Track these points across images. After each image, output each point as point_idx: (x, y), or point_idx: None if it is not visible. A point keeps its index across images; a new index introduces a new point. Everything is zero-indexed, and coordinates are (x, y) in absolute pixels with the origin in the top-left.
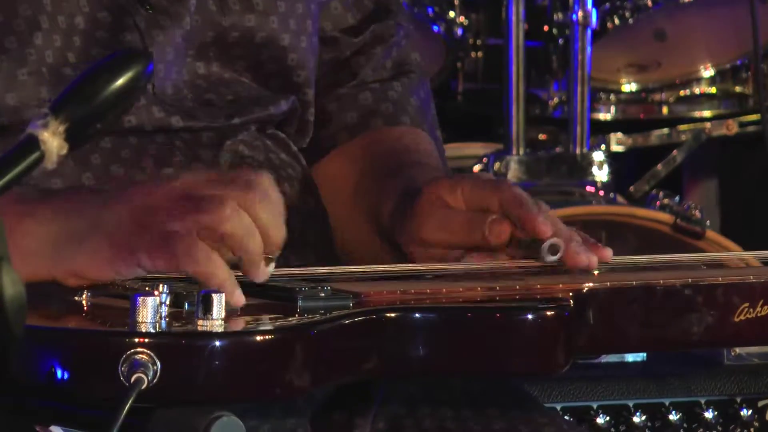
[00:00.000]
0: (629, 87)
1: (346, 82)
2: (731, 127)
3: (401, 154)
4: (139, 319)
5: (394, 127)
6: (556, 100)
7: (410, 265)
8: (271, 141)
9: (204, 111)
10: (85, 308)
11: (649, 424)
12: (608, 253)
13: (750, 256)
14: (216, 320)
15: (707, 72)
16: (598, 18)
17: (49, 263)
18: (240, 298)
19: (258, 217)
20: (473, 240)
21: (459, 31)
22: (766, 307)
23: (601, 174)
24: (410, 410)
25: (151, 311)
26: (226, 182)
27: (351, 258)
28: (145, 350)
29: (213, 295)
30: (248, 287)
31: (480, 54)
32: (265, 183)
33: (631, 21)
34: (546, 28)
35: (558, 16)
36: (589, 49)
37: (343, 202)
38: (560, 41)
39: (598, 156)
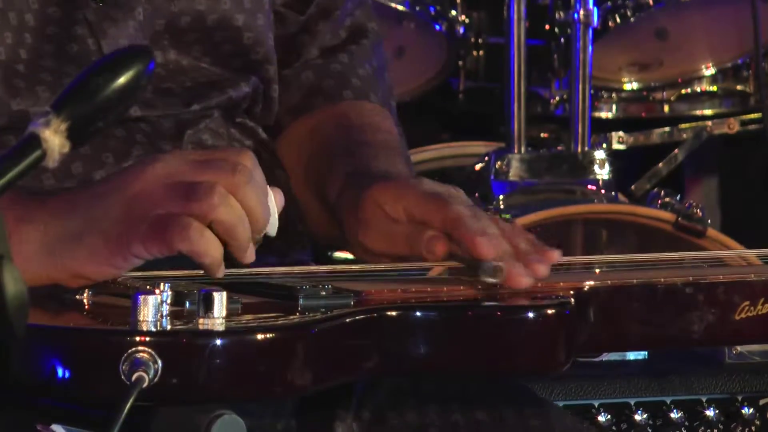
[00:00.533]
0: (630, 85)
1: (293, 62)
2: (732, 126)
3: (347, 132)
4: (140, 318)
5: (338, 104)
6: (557, 98)
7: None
8: (236, 129)
9: (162, 100)
10: (87, 307)
11: (650, 422)
12: (556, 255)
13: (751, 254)
14: (217, 319)
15: (708, 70)
16: (599, 16)
17: (47, 267)
18: (220, 272)
19: (245, 200)
20: (414, 253)
21: (460, 30)
22: (767, 306)
23: (603, 172)
24: (394, 401)
25: (152, 310)
26: (211, 166)
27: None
28: (147, 349)
29: (214, 293)
30: (249, 286)
31: (481, 52)
32: (249, 164)
33: (632, 20)
34: (547, 26)
35: (559, 15)
36: (590, 48)
37: (295, 184)
38: (561, 40)
39: (599, 154)
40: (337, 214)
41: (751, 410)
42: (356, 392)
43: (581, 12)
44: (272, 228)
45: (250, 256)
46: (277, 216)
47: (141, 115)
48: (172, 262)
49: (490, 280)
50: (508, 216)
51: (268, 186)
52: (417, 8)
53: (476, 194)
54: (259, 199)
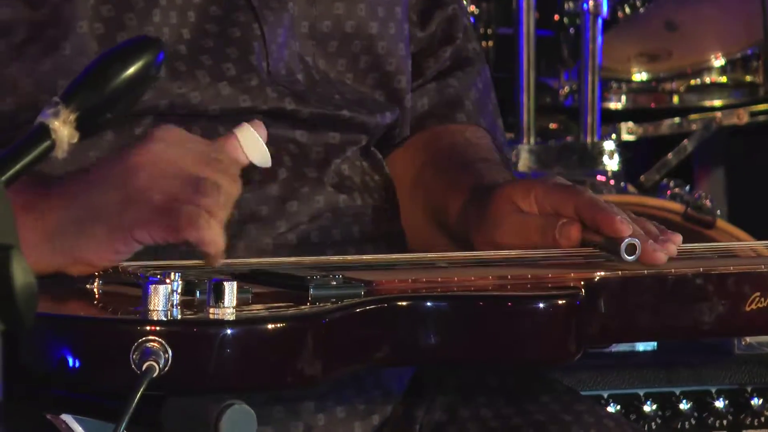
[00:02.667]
0: (640, 76)
1: (412, 80)
2: (742, 117)
3: (464, 149)
4: (151, 307)
5: (450, 126)
6: (566, 89)
7: (422, 254)
8: (368, 162)
9: (314, 95)
10: (96, 296)
11: (659, 413)
12: (679, 238)
13: (761, 245)
14: (227, 308)
15: (718, 61)
16: (608, 7)
17: (49, 255)
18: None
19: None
20: (546, 243)
21: (470, 20)
22: None
23: (612, 163)
24: (451, 417)
25: (162, 299)
26: (214, 165)
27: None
28: (157, 338)
29: (225, 283)
30: (260, 276)
31: (491, 43)
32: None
33: (641, 10)
34: (557, 17)
35: (569, 6)
36: (599, 39)
37: (400, 194)
38: (571, 30)
39: (608, 145)
40: (461, 228)
41: (760, 401)
42: (429, 392)
43: (591, 2)
44: (267, 161)
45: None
46: (266, 148)
47: (295, 108)
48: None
49: (628, 258)
50: None
51: (248, 123)
52: None
53: None
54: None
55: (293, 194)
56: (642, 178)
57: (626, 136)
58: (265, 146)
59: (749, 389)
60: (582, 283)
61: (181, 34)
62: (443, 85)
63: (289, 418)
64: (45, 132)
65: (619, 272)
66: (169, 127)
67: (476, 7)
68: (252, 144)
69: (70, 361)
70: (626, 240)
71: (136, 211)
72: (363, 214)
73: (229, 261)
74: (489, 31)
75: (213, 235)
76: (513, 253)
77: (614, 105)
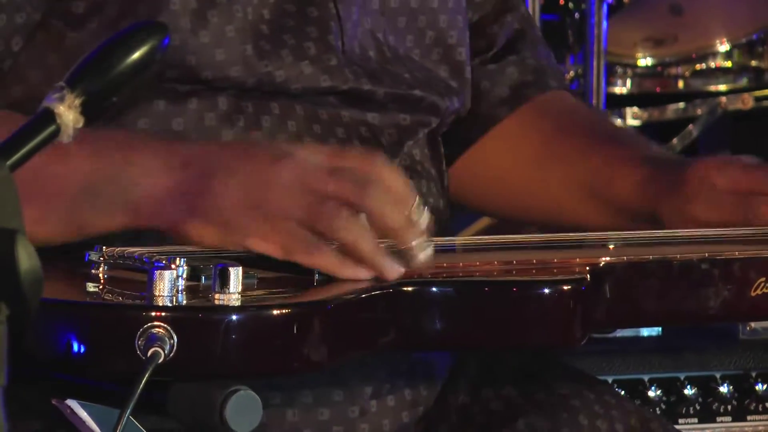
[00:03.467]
0: (645, 61)
1: (483, 51)
2: (747, 102)
3: (586, 117)
4: (156, 293)
5: (549, 91)
6: (571, 73)
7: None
8: (430, 152)
9: (388, 76)
10: (102, 281)
11: (664, 398)
12: None
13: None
14: (233, 294)
15: (723, 46)
16: None
17: (154, 215)
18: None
19: (375, 214)
20: (743, 219)
21: None
22: None
23: None
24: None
25: (168, 285)
26: (342, 177)
27: (536, 224)
28: (162, 324)
29: (230, 268)
30: (265, 261)
31: None
32: (383, 173)
33: None
34: (562, 1)
35: None
36: (605, 23)
37: (522, 176)
38: (576, 15)
39: None
40: (645, 197)
41: (765, 386)
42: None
43: None
44: (424, 218)
45: (390, 272)
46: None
47: (371, 89)
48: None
49: None
50: None
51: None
52: None
53: None
54: (389, 209)
55: None
56: None
57: (631, 121)
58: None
59: (754, 374)
60: (587, 268)
61: (263, 14)
62: (522, 56)
63: (347, 401)
64: (50, 117)
65: (625, 258)
66: (306, 146)
67: None
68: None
69: (76, 346)
70: None
71: (256, 221)
72: (427, 201)
73: None
74: None
75: (325, 263)
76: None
77: (619, 90)
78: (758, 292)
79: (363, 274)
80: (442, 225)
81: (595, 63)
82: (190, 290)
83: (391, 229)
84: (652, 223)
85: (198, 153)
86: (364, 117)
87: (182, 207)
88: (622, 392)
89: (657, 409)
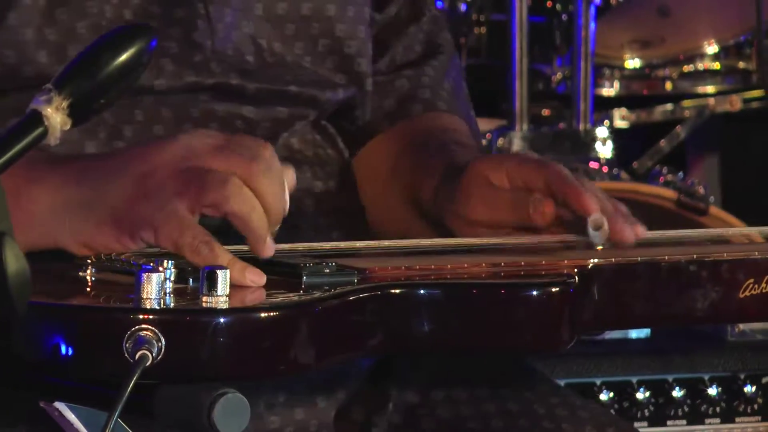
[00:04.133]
0: (633, 63)
1: (377, 59)
2: (735, 103)
3: (440, 134)
4: (144, 296)
5: (432, 113)
6: (559, 75)
7: (416, 240)
8: (320, 135)
9: (264, 75)
10: (90, 284)
11: (652, 400)
12: (643, 230)
13: (754, 232)
14: (220, 297)
15: (711, 48)
16: None
17: (54, 232)
18: (258, 280)
19: (261, 191)
20: (518, 219)
21: (462, 7)
22: None
23: (605, 150)
24: (424, 398)
25: (155, 287)
26: (229, 153)
27: (383, 237)
28: (150, 327)
29: (218, 271)
30: (252, 263)
31: (483, 30)
32: (267, 154)
33: None
34: (549, 3)
35: None
36: (592, 25)
37: (378, 182)
38: (564, 17)
39: (601, 132)
40: (434, 208)
41: (753, 388)
42: (391, 397)
43: None
44: (285, 208)
45: (269, 249)
46: (287, 197)
47: (239, 83)
48: None
49: (593, 232)
50: None
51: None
52: None
53: None
54: (274, 190)
55: None
56: (635, 164)
57: (619, 123)
58: (287, 194)
59: (742, 376)
60: (575, 270)
61: (122, 14)
62: (420, 72)
63: (249, 395)
64: (37, 119)
65: (613, 259)
66: (195, 130)
67: None
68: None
69: (63, 349)
70: (593, 215)
71: (145, 209)
72: (314, 187)
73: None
74: (482, 17)
75: (215, 261)
76: (497, 239)
77: (607, 91)
78: (746, 293)
79: (258, 279)
80: (329, 206)
81: (582, 65)
82: (177, 293)
83: (271, 209)
84: (444, 227)
85: (88, 165)
86: (240, 111)
87: (80, 218)
88: (611, 394)
89: (646, 411)
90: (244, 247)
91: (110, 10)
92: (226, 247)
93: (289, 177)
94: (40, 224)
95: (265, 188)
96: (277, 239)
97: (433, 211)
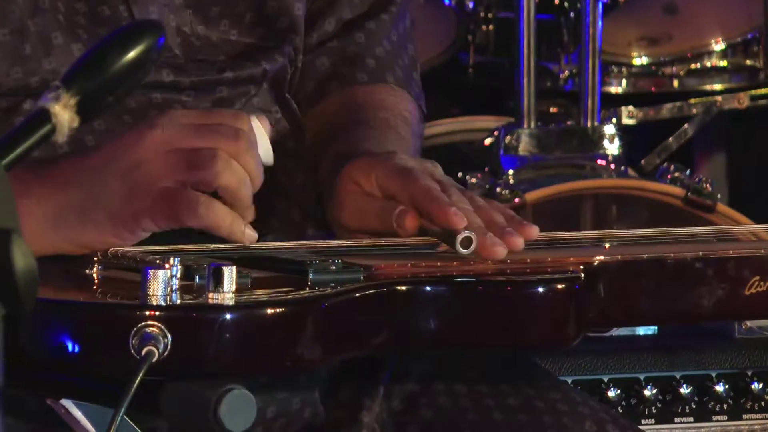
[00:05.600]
0: (640, 60)
1: (308, 32)
2: (742, 101)
3: (346, 115)
4: (150, 292)
5: (351, 87)
6: (566, 73)
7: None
8: (281, 108)
9: (194, 66)
10: (96, 281)
11: (660, 397)
12: (533, 231)
13: (761, 229)
14: (227, 293)
15: (718, 45)
16: None
17: (51, 239)
18: (252, 235)
19: (246, 165)
20: (386, 228)
21: (470, 4)
22: None
23: (612, 147)
24: (424, 387)
25: (161, 284)
26: (211, 131)
27: None
28: (156, 323)
29: (224, 268)
30: (259, 260)
31: (491, 27)
32: (247, 127)
33: None
34: (557, 1)
35: None
36: (600, 23)
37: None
38: (571, 14)
39: (609, 129)
40: (323, 196)
41: (760, 385)
42: (383, 380)
43: None
44: (269, 158)
45: (251, 214)
46: (269, 144)
47: (173, 80)
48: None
49: (463, 251)
50: (517, 192)
51: (253, 115)
52: None
53: (486, 169)
54: (257, 162)
55: None
56: (642, 162)
57: (626, 120)
58: (268, 141)
59: (749, 373)
60: (581, 267)
61: (58, 7)
62: (347, 41)
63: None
64: (45, 116)
65: (619, 256)
66: (169, 111)
67: None
68: (256, 137)
69: (70, 346)
70: (461, 233)
71: (139, 201)
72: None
73: (222, 246)
74: (489, 15)
75: (215, 218)
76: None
77: (614, 89)
78: (753, 290)
79: (253, 236)
80: (306, 183)
81: (590, 62)
82: (184, 289)
83: (255, 179)
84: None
85: (73, 167)
86: (179, 96)
87: (76, 223)
88: (618, 391)
89: (653, 408)
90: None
91: (48, 4)
92: (215, 245)
93: (266, 126)
94: (36, 235)
95: (249, 162)
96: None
97: (323, 203)
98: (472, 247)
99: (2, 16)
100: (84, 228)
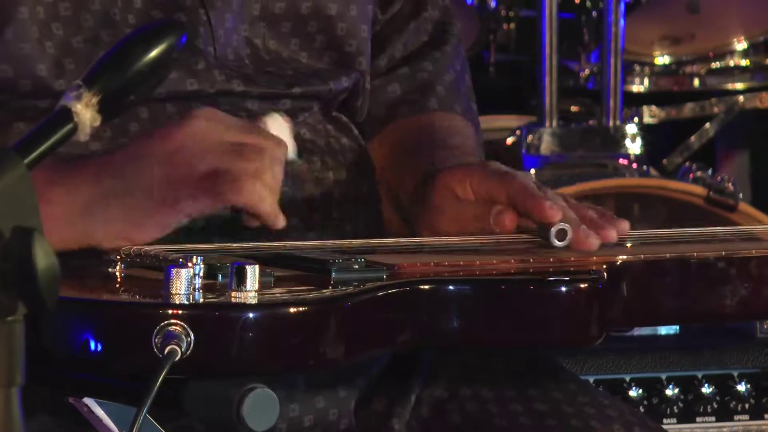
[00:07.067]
0: (662, 59)
1: (376, 55)
2: (764, 100)
3: (427, 134)
4: (173, 291)
5: (424, 113)
6: (587, 71)
7: (445, 238)
8: (332, 125)
9: (264, 78)
10: (119, 280)
11: (681, 396)
12: (625, 225)
13: None
14: (249, 292)
15: (740, 45)
16: None
17: (85, 229)
18: (281, 220)
19: (269, 184)
20: (484, 230)
21: (492, 3)
22: None
23: (634, 146)
24: (452, 393)
25: (184, 283)
26: (255, 133)
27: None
28: (179, 322)
29: (247, 267)
30: (282, 259)
31: (513, 26)
32: (281, 148)
33: None
34: (578, 0)
35: None
36: (622, 22)
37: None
38: (593, 13)
39: (631, 128)
40: (411, 212)
41: None
42: (415, 388)
43: None
44: (294, 153)
45: (281, 220)
46: (293, 140)
47: (244, 90)
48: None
49: (558, 243)
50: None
51: (278, 113)
52: None
53: None
54: (279, 179)
55: None
56: (664, 161)
57: (648, 120)
58: (291, 138)
59: None
60: (604, 266)
61: (127, 19)
62: (416, 69)
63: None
64: (67, 115)
65: (642, 256)
66: (207, 107)
67: None
68: (279, 133)
69: (93, 344)
70: (556, 225)
71: (182, 185)
72: (325, 178)
73: (246, 245)
74: (511, 13)
75: (258, 198)
76: (455, 239)
77: (637, 88)
78: None
79: (282, 221)
80: (340, 196)
81: (612, 61)
82: (206, 288)
83: (275, 192)
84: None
85: (108, 158)
86: (244, 104)
87: (112, 209)
88: (640, 390)
89: (675, 407)
90: (260, 244)
91: (119, 12)
92: (237, 244)
93: (289, 125)
94: (67, 224)
95: (279, 174)
96: (287, 236)
97: (410, 215)
98: (567, 239)
99: (76, 24)
100: (126, 216)
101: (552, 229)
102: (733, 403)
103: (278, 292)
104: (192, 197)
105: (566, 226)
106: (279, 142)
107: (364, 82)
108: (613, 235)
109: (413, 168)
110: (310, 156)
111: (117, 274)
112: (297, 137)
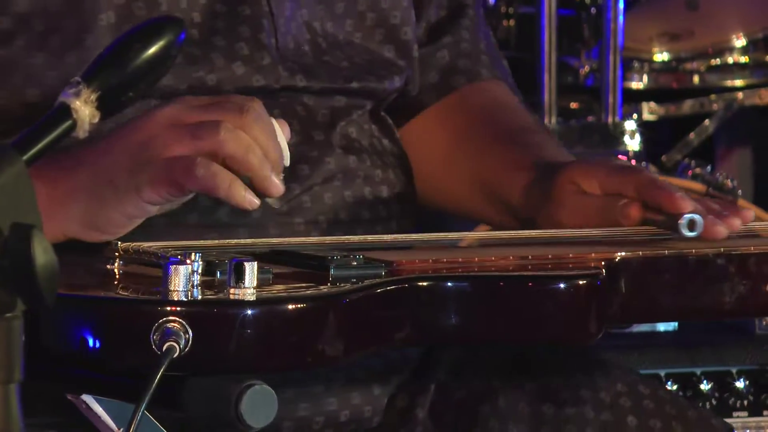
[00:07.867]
0: (661, 56)
1: (418, 31)
2: (764, 97)
3: (501, 114)
4: (171, 288)
5: (479, 82)
6: (587, 68)
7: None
8: (377, 125)
9: (324, 69)
10: (117, 276)
11: (680, 393)
12: (749, 214)
13: None
14: (248, 289)
15: (739, 41)
16: None
17: (59, 222)
18: (253, 201)
19: (253, 136)
20: (606, 221)
21: (491, 0)
22: None
23: (633, 143)
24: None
25: (183, 279)
26: (217, 107)
27: (443, 213)
28: (177, 319)
29: (245, 263)
30: (280, 256)
31: (512, 22)
32: (256, 106)
33: None
34: None
35: None
36: (621, 18)
37: (433, 163)
38: (593, 10)
39: (630, 125)
40: (527, 204)
41: None
42: (432, 387)
43: None
44: (285, 159)
45: (276, 187)
46: (287, 147)
47: (306, 85)
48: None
49: (689, 233)
50: None
51: (273, 120)
52: None
53: None
54: (267, 134)
55: (303, 158)
56: (663, 158)
57: (648, 116)
58: (286, 144)
59: None
60: (603, 263)
61: (192, 18)
62: (458, 38)
63: (310, 377)
64: (66, 111)
65: (640, 252)
66: (179, 96)
67: None
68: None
69: (91, 341)
70: (687, 216)
71: (143, 172)
72: (374, 176)
73: (248, 241)
74: (510, 10)
75: (213, 180)
76: (567, 232)
77: (636, 85)
78: None
79: (254, 201)
80: (387, 197)
81: (611, 58)
82: (205, 285)
83: (267, 152)
84: (536, 227)
85: (85, 151)
86: (301, 98)
87: (85, 201)
88: None
89: None
90: (258, 241)
91: (182, 15)
92: (233, 240)
93: (285, 131)
94: (47, 217)
95: (257, 133)
96: (335, 230)
97: (524, 209)
98: (697, 229)
99: None
100: (92, 207)
101: (682, 219)
102: (732, 399)
103: (277, 289)
104: (150, 184)
105: (697, 217)
106: (241, 106)
107: (410, 51)
108: (737, 223)
109: (518, 162)
110: (360, 154)
111: (115, 270)
112: (344, 135)
